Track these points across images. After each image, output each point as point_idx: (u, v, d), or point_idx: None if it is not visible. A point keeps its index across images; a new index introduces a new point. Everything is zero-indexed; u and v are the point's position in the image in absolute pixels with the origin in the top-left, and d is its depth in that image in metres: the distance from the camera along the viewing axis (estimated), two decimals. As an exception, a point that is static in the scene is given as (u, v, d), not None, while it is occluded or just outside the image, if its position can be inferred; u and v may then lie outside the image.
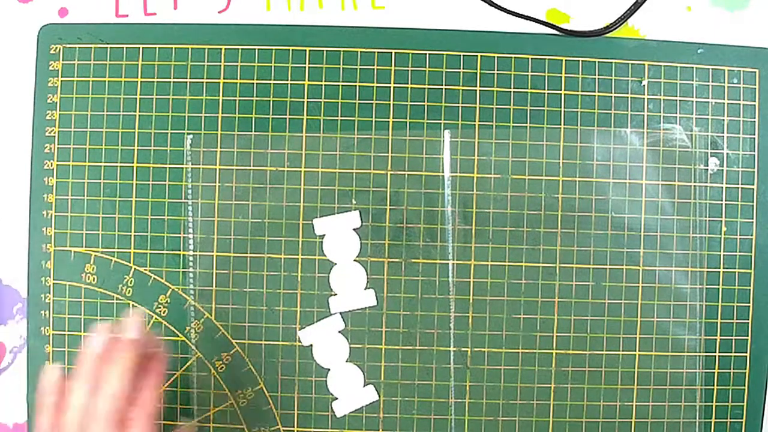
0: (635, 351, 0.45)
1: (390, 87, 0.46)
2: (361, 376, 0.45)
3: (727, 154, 0.46)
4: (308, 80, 0.46)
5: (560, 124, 0.46)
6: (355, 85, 0.46)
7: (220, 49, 0.46)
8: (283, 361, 0.45)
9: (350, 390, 0.45)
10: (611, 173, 0.45)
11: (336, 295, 0.45)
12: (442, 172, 0.45)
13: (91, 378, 0.38)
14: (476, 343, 0.45)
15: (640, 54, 0.46)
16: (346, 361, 0.45)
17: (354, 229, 0.45)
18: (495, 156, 0.45)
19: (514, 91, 0.46)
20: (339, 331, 0.45)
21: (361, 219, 0.45)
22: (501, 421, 0.45)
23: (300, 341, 0.45)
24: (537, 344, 0.45)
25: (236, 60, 0.46)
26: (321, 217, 0.45)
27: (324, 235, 0.45)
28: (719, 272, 0.46)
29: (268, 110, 0.46)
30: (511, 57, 0.46)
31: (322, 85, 0.46)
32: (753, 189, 0.46)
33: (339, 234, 0.45)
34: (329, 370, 0.45)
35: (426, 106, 0.46)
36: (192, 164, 0.45)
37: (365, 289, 0.45)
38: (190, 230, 0.45)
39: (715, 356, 0.45)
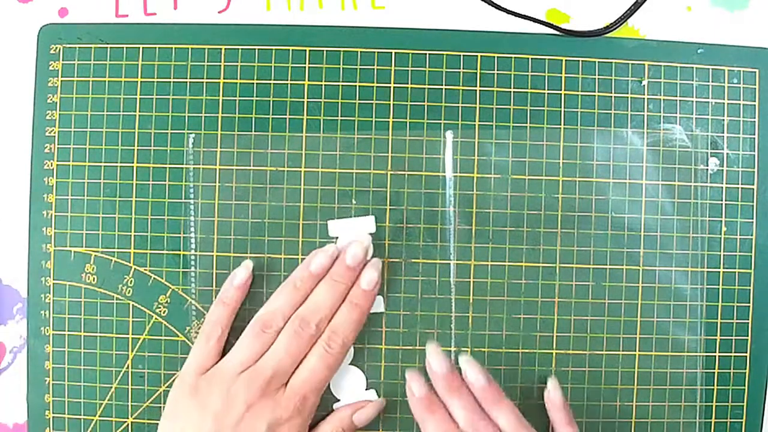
0: (635, 351, 0.45)
1: (390, 87, 0.46)
2: (364, 378, 0.45)
3: (727, 154, 0.46)
4: (308, 80, 0.46)
5: (560, 124, 0.46)
6: (355, 85, 0.46)
7: (220, 49, 0.46)
8: (283, 361, 0.45)
9: (352, 392, 0.45)
10: (611, 173, 0.45)
11: None
12: (443, 172, 0.45)
13: (299, 289, 0.40)
14: (476, 343, 0.45)
15: (640, 54, 0.46)
16: (349, 364, 0.45)
17: (369, 234, 0.45)
18: (495, 156, 0.45)
19: (514, 91, 0.46)
20: None
21: (376, 224, 0.45)
22: (501, 421, 0.45)
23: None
24: (537, 344, 0.45)
25: (236, 60, 0.46)
26: (336, 219, 0.45)
27: (337, 237, 0.45)
28: (719, 272, 0.46)
29: (268, 110, 0.46)
30: (511, 57, 0.46)
31: (322, 85, 0.46)
32: (753, 189, 0.46)
33: (353, 238, 0.45)
34: None
35: (426, 106, 0.46)
36: (193, 164, 0.45)
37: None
38: (192, 230, 0.45)
39: (715, 356, 0.45)
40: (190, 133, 0.46)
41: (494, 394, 0.41)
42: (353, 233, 0.44)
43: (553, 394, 0.43)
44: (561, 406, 0.42)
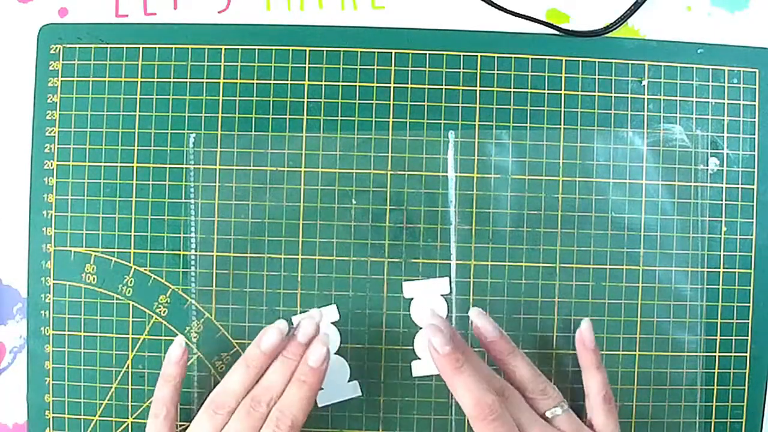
0: (635, 351, 0.45)
1: (390, 87, 0.46)
2: (348, 369, 0.45)
3: (727, 154, 0.46)
4: (308, 80, 0.46)
5: (560, 124, 0.46)
6: (355, 85, 0.46)
7: (220, 49, 0.46)
8: (283, 361, 0.45)
9: (335, 383, 0.44)
10: (611, 173, 0.45)
11: (420, 359, 0.45)
12: (445, 172, 0.45)
13: (251, 368, 0.40)
14: (477, 343, 0.45)
15: (640, 54, 0.46)
16: (336, 353, 0.45)
17: (442, 295, 0.45)
18: (495, 156, 0.45)
19: (514, 91, 0.46)
20: (335, 324, 0.45)
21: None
22: (501, 421, 0.45)
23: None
24: (537, 344, 0.45)
25: (236, 60, 0.46)
26: (411, 281, 0.45)
27: (412, 298, 0.45)
28: (719, 272, 0.46)
29: (268, 110, 0.46)
30: (511, 57, 0.46)
31: (322, 85, 0.46)
32: (753, 189, 0.46)
33: (427, 298, 0.45)
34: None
35: (426, 106, 0.46)
36: (193, 164, 0.45)
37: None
38: (192, 230, 0.45)
39: (715, 356, 0.45)
40: (190, 133, 0.46)
41: (507, 347, 0.41)
42: (427, 293, 0.45)
43: (585, 334, 0.42)
44: (592, 348, 0.42)
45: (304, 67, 0.46)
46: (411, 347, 0.45)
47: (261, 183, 0.45)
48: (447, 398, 0.45)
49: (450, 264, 0.45)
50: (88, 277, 0.46)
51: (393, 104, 0.46)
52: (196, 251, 0.45)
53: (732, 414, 0.46)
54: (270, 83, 0.46)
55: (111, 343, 0.45)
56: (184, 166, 0.46)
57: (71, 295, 0.46)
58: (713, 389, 0.45)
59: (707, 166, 0.46)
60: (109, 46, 0.46)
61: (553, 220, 0.45)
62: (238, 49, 0.46)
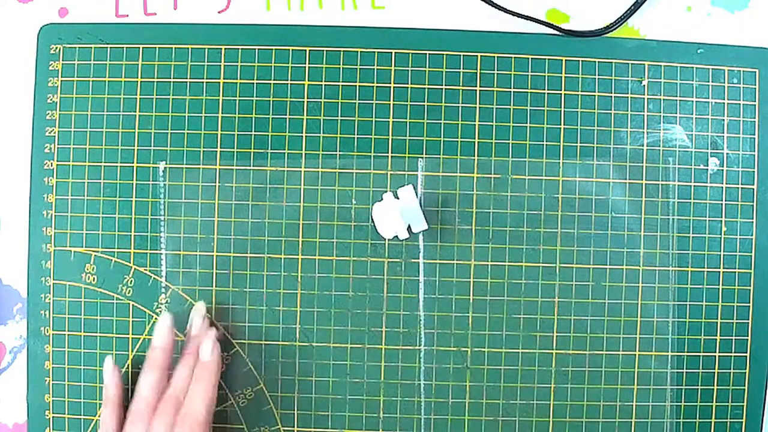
0: (635, 351, 0.45)
1: (390, 87, 0.46)
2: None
3: (727, 154, 0.46)
4: (308, 80, 0.46)
5: (560, 125, 0.46)
6: (355, 85, 0.46)
7: (220, 49, 0.46)
8: (283, 361, 0.45)
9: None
10: (611, 173, 0.45)
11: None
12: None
13: (157, 369, 0.42)
14: (476, 343, 0.45)
15: (640, 54, 0.46)
16: None
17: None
18: (495, 156, 0.45)
19: (514, 91, 0.46)
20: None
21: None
22: (501, 421, 0.45)
23: (300, 340, 0.45)
24: (537, 344, 0.45)
25: (236, 60, 0.46)
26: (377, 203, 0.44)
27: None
28: (719, 272, 0.46)
29: (268, 110, 0.46)
30: (511, 57, 0.46)
31: (322, 85, 0.46)
32: (753, 189, 0.46)
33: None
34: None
35: (426, 107, 0.46)
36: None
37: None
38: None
39: (715, 356, 0.46)
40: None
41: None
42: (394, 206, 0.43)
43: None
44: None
45: (304, 67, 0.46)
46: (412, 347, 0.45)
47: (261, 183, 0.45)
48: (447, 398, 0.45)
49: (450, 264, 0.45)
50: (88, 277, 0.46)
51: (393, 104, 0.46)
52: (194, 251, 0.45)
53: (732, 414, 0.46)
54: (270, 83, 0.46)
55: (111, 343, 0.45)
56: (184, 166, 0.45)
57: (71, 295, 0.46)
58: (713, 389, 0.45)
59: (707, 166, 0.46)
60: (109, 46, 0.46)
61: (553, 220, 0.45)
62: (238, 49, 0.46)
